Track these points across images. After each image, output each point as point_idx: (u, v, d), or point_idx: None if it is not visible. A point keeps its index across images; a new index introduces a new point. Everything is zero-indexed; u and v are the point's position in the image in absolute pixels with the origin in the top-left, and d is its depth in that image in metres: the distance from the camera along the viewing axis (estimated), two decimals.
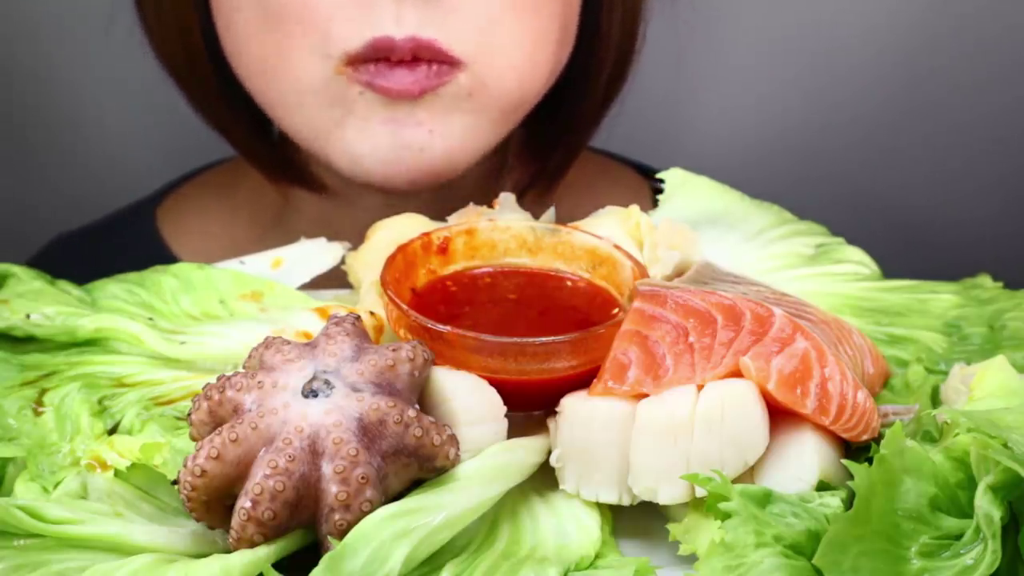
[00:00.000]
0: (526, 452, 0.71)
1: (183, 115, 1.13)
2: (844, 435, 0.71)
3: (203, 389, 0.70)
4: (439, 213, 0.87)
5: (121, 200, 1.26)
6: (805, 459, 0.69)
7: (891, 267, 0.92)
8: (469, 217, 0.84)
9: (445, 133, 0.98)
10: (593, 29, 1.07)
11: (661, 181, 0.93)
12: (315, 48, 0.96)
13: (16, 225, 1.41)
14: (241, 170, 1.17)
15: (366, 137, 0.98)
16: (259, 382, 0.68)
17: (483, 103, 0.99)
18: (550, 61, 1.02)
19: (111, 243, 1.21)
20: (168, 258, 1.16)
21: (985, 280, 0.91)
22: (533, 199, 1.09)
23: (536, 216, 0.85)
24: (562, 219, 0.85)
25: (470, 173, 1.03)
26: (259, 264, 0.90)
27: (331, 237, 0.92)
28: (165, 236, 1.19)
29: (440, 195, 1.02)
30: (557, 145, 1.13)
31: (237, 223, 1.18)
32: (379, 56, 0.95)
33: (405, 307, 0.75)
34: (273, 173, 1.12)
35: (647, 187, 1.20)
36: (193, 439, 0.70)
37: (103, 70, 1.48)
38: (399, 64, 0.95)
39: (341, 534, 0.64)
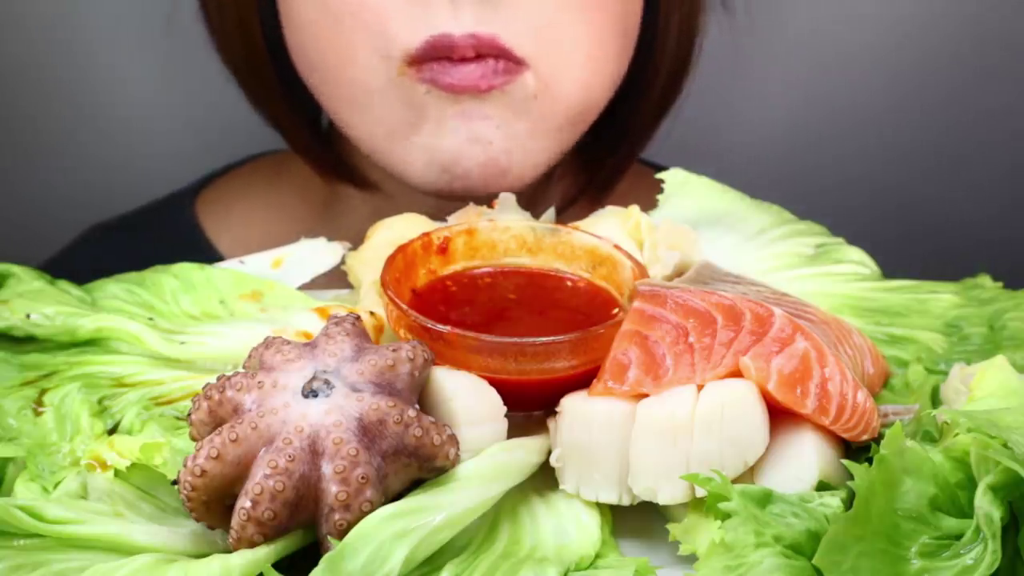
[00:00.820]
0: (526, 452, 0.71)
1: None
2: (844, 435, 0.71)
3: (203, 389, 0.69)
4: (439, 213, 0.87)
5: (133, 198, 1.25)
6: (805, 459, 0.69)
7: (891, 267, 0.92)
8: (469, 217, 0.84)
9: (510, 133, 0.97)
10: (650, 39, 1.06)
11: (661, 181, 0.93)
12: (376, 48, 0.96)
13: (29, 223, 1.41)
14: (289, 162, 1.16)
15: (443, 134, 0.97)
16: (259, 382, 0.68)
17: (548, 108, 0.98)
18: (611, 66, 1.01)
19: (148, 232, 1.20)
20: (206, 247, 1.15)
21: (985, 280, 0.91)
22: (583, 208, 1.08)
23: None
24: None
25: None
26: (259, 264, 0.90)
27: None
28: (204, 225, 1.18)
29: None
30: (609, 155, 1.12)
31: (283, 215, 1.18)
32: (440, 55, 0.95)
33: (405, 307, 0.75)
34: (324, 169, 1.12)
35: None
36: (193, 439, 0.70)
37: (118, 69, 1.47)
38: (462, 61, 0.94)
39: (341, 534, 0.64)
